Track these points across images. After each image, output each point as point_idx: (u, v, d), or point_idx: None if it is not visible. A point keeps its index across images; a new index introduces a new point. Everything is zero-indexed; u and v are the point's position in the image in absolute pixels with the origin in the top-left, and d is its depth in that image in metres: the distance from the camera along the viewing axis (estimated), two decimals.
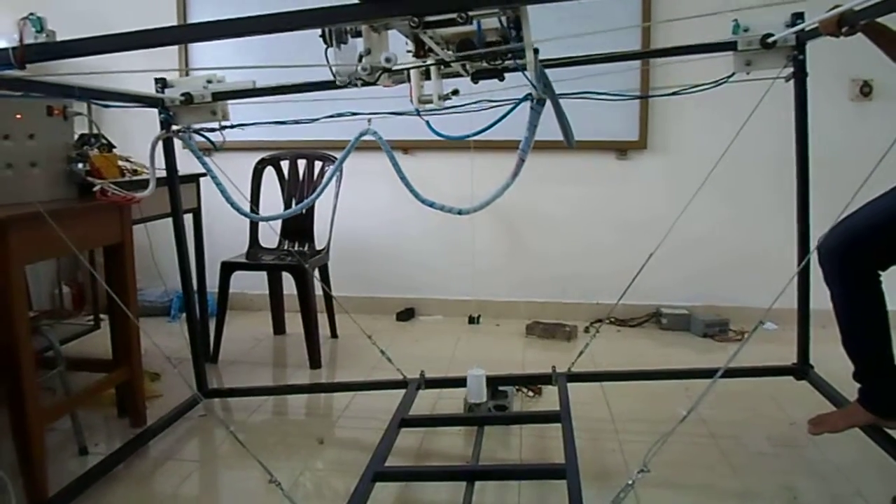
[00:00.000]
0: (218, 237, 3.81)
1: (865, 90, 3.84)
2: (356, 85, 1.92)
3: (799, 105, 2.51)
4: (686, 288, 4.07)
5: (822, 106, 3.67)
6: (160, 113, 2.55)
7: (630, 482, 1.63)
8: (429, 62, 1.84)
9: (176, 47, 4.07)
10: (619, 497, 1.62)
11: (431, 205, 2.02)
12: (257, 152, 3.79)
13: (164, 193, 2.90)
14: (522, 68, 1.73)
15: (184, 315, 4.06)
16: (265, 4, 1.62)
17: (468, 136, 2.07)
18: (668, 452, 2.28)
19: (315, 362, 3.34)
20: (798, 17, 2.28)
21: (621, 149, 4.07)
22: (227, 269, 3.42)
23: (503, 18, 1.63)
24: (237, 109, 2.65)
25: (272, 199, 3.75)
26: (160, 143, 2.56)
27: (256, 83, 2.57)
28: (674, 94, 2.58)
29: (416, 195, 2.03)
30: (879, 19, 1.96)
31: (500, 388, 2.71)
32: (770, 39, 2.32)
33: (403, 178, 2.09)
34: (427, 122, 2.03)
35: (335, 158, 3.64)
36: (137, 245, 2.61)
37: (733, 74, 2.39)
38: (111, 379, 2.57)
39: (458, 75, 2.01)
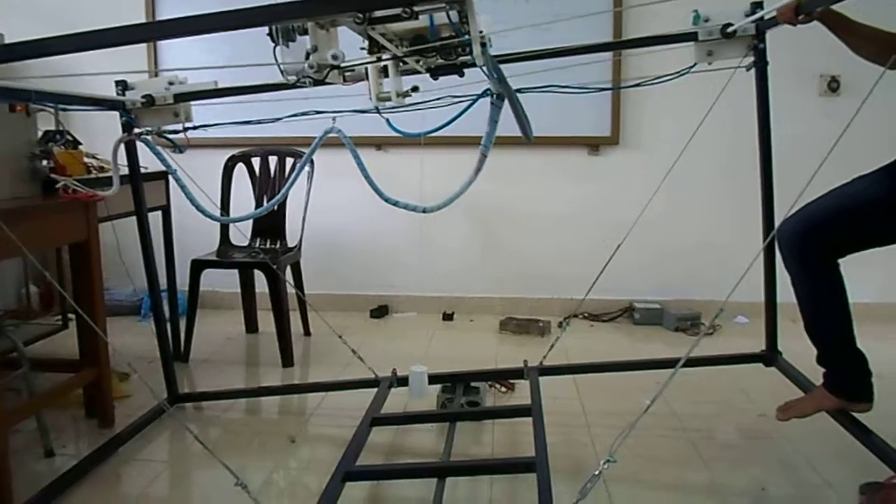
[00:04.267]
0: (189, 234, 3.76)
1: (833, 85, 3.89)
2: (305, 84, 1.86)
3: (760, 94, 2.51)
4: (658, 282, 4.11)
5: (792, 101, 3.73)
6: (121, 116, 2.50)
7: (597, 472, 1.63)
8: (383, 58, 1.79)
9: (144, 48, 4.03)
10: (586, 487, 1.61)
11: (395, 203, 2.03)
12: (228, 149, 3.74)
13: (130, 190, 2.86)
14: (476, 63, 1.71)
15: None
16: (228, 2, 1.59)
17: (422, 134, 2.05)
18: (639, 447, 2.30)
19: (287, 360, 3.32)
20: (757, 6, 2.29)
21: (593, 144, 4.08)
22: (198, 266, 3.38)
23: (451, 13, 1.58)
24: (205, 108, 2.60)
25: (243, 196, 3.71)
26: (122, 146, 2.50)
27: (219, 84, 2.52)
28: (636, 85, 2.61)
29: (380, 193, 2.02)
30: (836, 7, 1.96)
31: (473, 384, 2.71)
32: (730, 29, 2.32)
33: (367, 177, 2.07)
34: (387, 120, 2.01)
35: None
36: (105, 243, 2.57)
37: (695, 65, 2.38)
38: (78, 379, 2.52)
39: (416, 72, 1.96)
